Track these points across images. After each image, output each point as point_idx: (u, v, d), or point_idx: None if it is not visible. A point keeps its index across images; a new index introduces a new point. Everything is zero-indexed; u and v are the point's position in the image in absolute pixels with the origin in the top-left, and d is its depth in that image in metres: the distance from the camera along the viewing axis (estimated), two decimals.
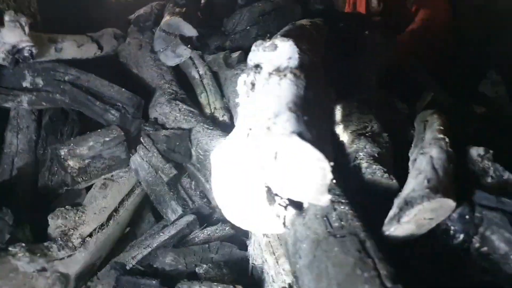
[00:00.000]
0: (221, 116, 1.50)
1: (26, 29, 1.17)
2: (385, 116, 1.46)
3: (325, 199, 0.71)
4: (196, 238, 1.19)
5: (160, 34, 1.39)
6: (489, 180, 1.02)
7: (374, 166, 1.04)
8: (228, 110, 1.52)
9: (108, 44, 1.67)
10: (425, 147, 1.06)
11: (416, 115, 1.46)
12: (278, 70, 0.90)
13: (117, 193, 1.28)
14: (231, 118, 1.48)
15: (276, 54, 0.97)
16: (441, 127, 1.19)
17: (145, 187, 1.29)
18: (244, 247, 1.11)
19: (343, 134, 1.24)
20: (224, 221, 1.19)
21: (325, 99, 0.92)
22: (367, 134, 1.21)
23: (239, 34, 1.64)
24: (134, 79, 1.63)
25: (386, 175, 1.03)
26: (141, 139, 1.32)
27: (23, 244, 0.99)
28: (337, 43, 1.74)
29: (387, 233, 0.84)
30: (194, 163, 1.31)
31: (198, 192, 1.31)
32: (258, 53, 1.01)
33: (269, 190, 0.73)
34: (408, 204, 0.83)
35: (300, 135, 0.65)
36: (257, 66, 0.98)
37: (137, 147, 1.31)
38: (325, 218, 0.81)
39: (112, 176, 1.32)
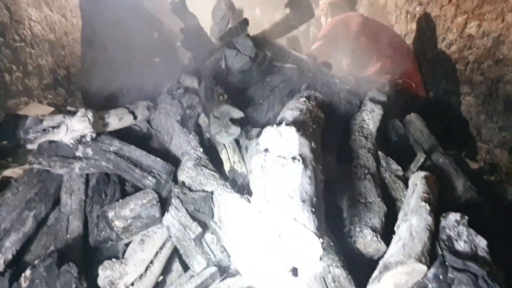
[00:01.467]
0: (239, 168, 1.80)
1: (91, 120, 1.54)
2: (381, 178, 1.72)
3: (319, 266, 0.97)
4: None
5: (214, 120, 1.72)
6: (462, 244, 1.25)
7: (365, 231, 1.30)
8: (244, 163, 1.81)
9: (141, 114, 2.04)
10: (407, 214, 1.32)
11: (410, 176, 1.71)
12: (281, 156, 1.19)
13: (152, 247, 1.56)
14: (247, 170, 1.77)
15: (281, 140, 1.27)
16: (426, 194, 1.44)
17: (175, 242, 1.57)
18: None
19: (341, 200, 1.50)
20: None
21: (321, 179, 1.19)
22: (361, 201, 1.47)
23: (253, 107, 1.96)
24: (165, 144, 1.96)
25: (375, 238, 1.27)
26: (172, 200, 1.62)
27: None
28: (337, 113, 2.04)
29: None
30: (216, 221, 1.58)
31: (219, 247, 1.58)
32: (267, 139, 1.30)
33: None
34: (386, 268, 1.08)
35: (296, 219, 0.93)
36: (266, 150, 1.28)
37: (169, 207, 1.61)
38: (322, 279, 1.06)
39: (148, 232, 1.60)
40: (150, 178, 1.66)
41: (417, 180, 1.60)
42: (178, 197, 1.63)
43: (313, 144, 1.30)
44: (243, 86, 2.10)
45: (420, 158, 1.86)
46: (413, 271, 1.09)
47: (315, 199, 1.05)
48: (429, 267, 1.14)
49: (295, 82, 2.07)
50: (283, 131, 1.29)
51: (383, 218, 1.40)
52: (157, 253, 1.56)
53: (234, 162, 1.79)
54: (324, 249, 0.93)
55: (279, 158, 1.19)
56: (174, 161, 1.83)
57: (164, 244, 1.61)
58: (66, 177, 1.76)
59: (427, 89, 3.77)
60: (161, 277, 1.59)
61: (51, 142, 1.72)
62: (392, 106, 2.30)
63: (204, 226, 1.61)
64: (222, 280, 1.47)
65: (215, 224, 1.60)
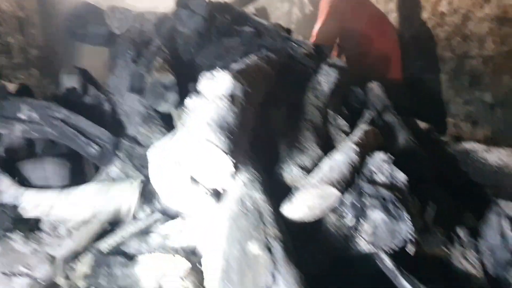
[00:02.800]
0: None
1: None
2: (325, 132, 1.84)
3: (231, 184, 1.07)
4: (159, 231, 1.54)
5: (148, 93, 1.81)
6: (381, 177, 1.37)
7: (294, 168, 1.41)
8: None
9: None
10: (334, 152, 1.43)
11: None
12: (212, 96, 1.30)
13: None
14: None
15: (215, 83, 1.37)
16: (359, 140, 1.56)
17: None
18: None
19: (280, 147, 1.61)
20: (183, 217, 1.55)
21: (246, 119, 1.29)
22: (298, 146, 1.59)
23: (207, 67, 2.05)
24: (119, 105, 2.05)
25: (302, 175, 1.39)
26: (118, 153, 1.72)
27: (21, 233, 1.37)
28: (293, 73, 2.16)
29: (283, 212, 1.19)
30: None
31: None
32: (202, 83, 1.41)
33: (193, 179, 1.11)
34: (297, 189, 1.19)
35: (209, 140, 1.04)
36: (199, 93, 1.38)
37: (114, 159, 1.71)
38: (240, 201, 1.17)
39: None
40: (94, 146, 1.74)
41: (357, 130, 1.72)
42: (126, 150, 1.73)
43: (247, 88, 1.40)
44: (200, 50, 2.19)
45: (367, 114, 1.98)
46: (326, 194, 1.20)
47: (236, 130, 1.15)
48: (344, 194, 1.25)
49: (252, 44, 2.17)
50: (218, 75, 1.39)
51: (317, 162, 1.51)
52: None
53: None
54: (236, 168, 1.04)
55: (209, 97, 1.29)
56: (125, 121, 1.93)
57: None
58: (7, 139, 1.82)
59: (404, 67, 3.87)
60: (108, 226, 1.69)
61: None
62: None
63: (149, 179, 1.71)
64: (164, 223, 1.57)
65: None
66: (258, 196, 1.19)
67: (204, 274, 1.26)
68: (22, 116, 1.82)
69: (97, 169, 1.83)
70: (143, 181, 1.64)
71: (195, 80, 2.11)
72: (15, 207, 1.42)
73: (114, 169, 1.69)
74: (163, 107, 1.79)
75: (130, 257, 1.41)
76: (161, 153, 1.06)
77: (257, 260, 0.93)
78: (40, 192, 1.55)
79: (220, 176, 1.06)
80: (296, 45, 2.29)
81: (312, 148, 1.59)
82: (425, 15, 3.85)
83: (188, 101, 1.36)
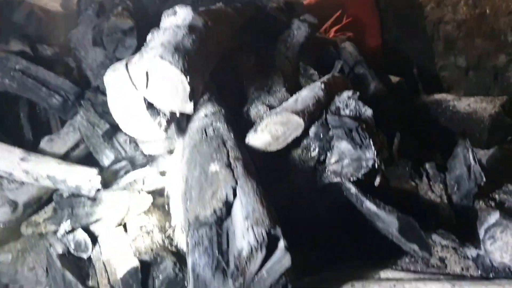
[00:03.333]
0: None
1: None
2: (296, 79, 1.83)
3: (190, 107, 1.04)
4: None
5: (106, 39, 1.72)
6: (347, 111, 1.36)
7: (260, 106, 1.39)
8: None
9: None
10: (301, 90, 1.42)
11: None
12: (171, 25, 1.25)
13: (63, 145, 1.60)
14: None
15: (176, 18, 1.33)
16: (325, 80, 1.55)
17: (85, 141, 1.62)
18: None
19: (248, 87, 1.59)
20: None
21: (206, 50, 1.25)
22: (266, 89, 1.56)
23: None
24: (82, 59, 1.97)
25: (268, 111, 1.37)
26: (82, 102, 1.66)
27: None
28: (263, 25, 2.13)
29: (247, 141, 1.17)
30: None
31: (132, 145, 1.64)
32: (164, 19, 1.36)
33: (150, 104, 1.07)
34: (261, 118, 1.17)
35: (162, 57, 1.00)
36: (161, 27, 1.34)
37: (79, 109, 1.65)
38: (203, 130, 1.14)
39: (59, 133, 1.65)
40: (57, 97, 1.66)
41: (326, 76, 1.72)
42: (89, 99, 1.67)
43: (209, 23, 1.36)
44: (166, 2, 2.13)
45: (338, 64, 1.97)
46: (289, 122, 1.19)
47: (193, 54, 1.12)
48: (310, 125, 1.24)
49: None
50: (179, 9, 1.35)
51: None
52: (67, 151, 1.60)
53: None
54: (192, 87, 1.01)
55: (168, 27, 1.24)
56: (90, 76, 1.86)
57: (77, 145, 1.65)
58: None
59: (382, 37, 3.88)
60: None
61: None
62: None
63: (116, 129, 1.66)
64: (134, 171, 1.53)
65: None
66: (221, 126, 1.16)
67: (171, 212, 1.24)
68: None
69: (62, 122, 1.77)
70: (108, 129, 1.58)
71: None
72: None
73: (78, 118, 1.63)
74: (123, 53, 1.72)
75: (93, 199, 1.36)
76: (117, 76, 1.02)
77: (217, 176, 0.91)
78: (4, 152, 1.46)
79: (177, 96, 1.03)
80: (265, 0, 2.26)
81: (280, 91, 1.57)
82: None
83: (148, 35, 1.31)
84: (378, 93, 1.81)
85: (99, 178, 1.32)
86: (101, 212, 1.24)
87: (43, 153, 1.55)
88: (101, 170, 1.43)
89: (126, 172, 1.53)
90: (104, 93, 1.74)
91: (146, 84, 1.02)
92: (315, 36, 2.39)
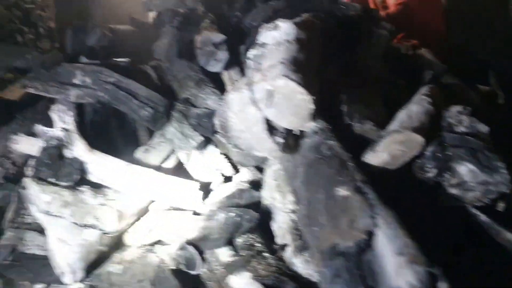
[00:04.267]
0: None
1: None
2: (387, 90, 1.73)
3: (310, 125, 1.00)
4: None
5: (199, 52, 1.72)
6: (462, 129, 1.25)
7: (363, 121, 1.32)
8: None
9: None
10: (408, 106, 1.32)
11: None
12: (281, 40, 1.22)
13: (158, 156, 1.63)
14: None
15: (278, 32, 1.29)
16: (428, 92, 1.44)
17: (178, 152, 1.63)
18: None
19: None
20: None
21: (315, 62, 1.21)
22: (364, 103, 1.49)
23: (254, 30, 1.97)
24: (167, 71, 2.01)
25: (374, 128, 1.29)
26: (174, 114, 1.68)
27: (89, 186, 1.35)
28: (342, 34, 2.05)
29: (365, 160, 1.11)
30: (218, 130, 1.61)
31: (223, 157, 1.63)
32: (264, 34, 1.33)
33: (269, 122, 1.04)
34: (382, 136, 1.10)
35: (287, 76, 0.96)
36: (263, 44, 1.31)
37: (171, 120, 1.67)
38: (317, 148, 1.09)
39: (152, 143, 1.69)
40: (147, 108, 1.69)
41: (422, 89, 1.61)
42: (181, 111, 1.69)
43: (310, 36, 1.32)
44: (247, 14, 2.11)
45: (428, 75, 1.86)
46: (409, 141, 1.11)
47: (307, 69, 1.07)
48: (427, 143, 1.15)
49: (299, 6, 2.07)
50: (280, 23, 1.31)
51: (385, 117, 1.41)
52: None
53: (236, 80, 1.82)
54: (315, 105, 0.96)
55: (275, 43, 1.21)
56: (176, 87, 1.88)
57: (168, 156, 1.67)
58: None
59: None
60: None
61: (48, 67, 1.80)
62: None
63: (207, 141, 1.66)
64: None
65: (217, 134, 1.63)
66: (334, 144, 1.10)
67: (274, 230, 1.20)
68: (76, 81, 1.81)
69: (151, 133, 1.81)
70: (202, 142, 1.58)
71: (243, 43, 2.05)
72: (82, 162, 1.40)
73: (171, 129, 1.65)
74: (215, 67, 1.72)
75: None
76: (241, 97, 0.99)
77: (350, 202, 0.85)
78: (107, 162, 1.50)
79: (298, 115, 0.98)
80: (344, 7, 2.16)
81: (376, 103, 1.49)
82: None
83: (252, 52, 1.28)
84: (477, 107, 1.66)
85: (201, 192, 1.31)
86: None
87: (140, 163, 1.59)
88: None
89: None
90: (194, 106, 1.76)
91: (268, 103, 0.99)
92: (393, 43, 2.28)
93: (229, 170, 1.55)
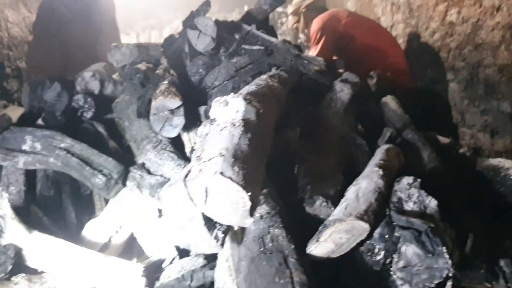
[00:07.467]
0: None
1: None
2: (346, 151, 1.73)
3: (249, 222, 0.96)
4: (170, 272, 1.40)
5: (153, 118, 1.69)
6: (411, 205, 1.24)
7: (315, 197, 1.29)
8: None
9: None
10: (359, 179, 1.31)
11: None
12: (225, 122, 1.19)
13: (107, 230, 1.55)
14: None
15: (228, 109, 1.27)
16: (382, 161, 1.44)
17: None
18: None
19: (298, 172, 1.50)
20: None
21: (261, 144, 1.18)
22: (317, 171, 1.47)
23: (217, 88, 1.96)
24: (126, 130, 1.96)
25: (324, 204, 1.27)
26: (128, 182, 1.62)
27: (24, 274, 1.26)
28: (305, 91, 2.06)
29: (308, 251, 1.07)
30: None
31: None
32: (214, 109, 1.31)
33: (207, 218, 0.99)
34: (325, 226, 1.07)
35: (223, 174, 0.92)
36: (213, 120, 1.28)
37: (121, 190, 1.61)
38: (260, 240, 1.05)
39: None
40: (100, 176, 1.63)
41: (379, 151, 1.61)
42: (135, 179, 1.63)
43: (261, 111, 1.30)
44: (209, 71, 2.11)
45: (387, 133, 1.87)
46: (354, 229, 1.08)
47: (251, 159, 1.05)
48: (374, 227, 1.13)
49: (262, 63, 2.08)
50: (230, 100, 1.29)
51: (339, 188, 1.39)
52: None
53: (195, 143, 1.79)
54: (252, 202, 0.93)
55: (222, 124, 1.19)
56: (133, 147, 1.83)
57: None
58: (4, 171, 1.73)
59: (414, 78, 3.77)
60: None
61: None
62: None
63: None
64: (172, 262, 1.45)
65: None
66: (279, 233, 1.07)
67: None
68: (25, 147, 1.74)
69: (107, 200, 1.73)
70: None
71: (204, 101, 2.03)
72: (19, 249, 1.31)
73: (122, 200, 1.59)
74: (170, 132, 1.68)
75: None
76: (174, 193, 0.95)
77: None
78: (46, 244, 1.39)
79: (236, 212, 0.95)
80: (307, 62, 2.19)
81: (333, 171, 1.47)
82: (433, 25, 3.75)
83: (200, 128, 1.26)
84: (432, 166, 1.67)
85: (143, 279, 1.24)
86: None
87: (86, 241, 1.51)
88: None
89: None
90: (150, 173, 1.70)
91: (205, 200, 0.95)
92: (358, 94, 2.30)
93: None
